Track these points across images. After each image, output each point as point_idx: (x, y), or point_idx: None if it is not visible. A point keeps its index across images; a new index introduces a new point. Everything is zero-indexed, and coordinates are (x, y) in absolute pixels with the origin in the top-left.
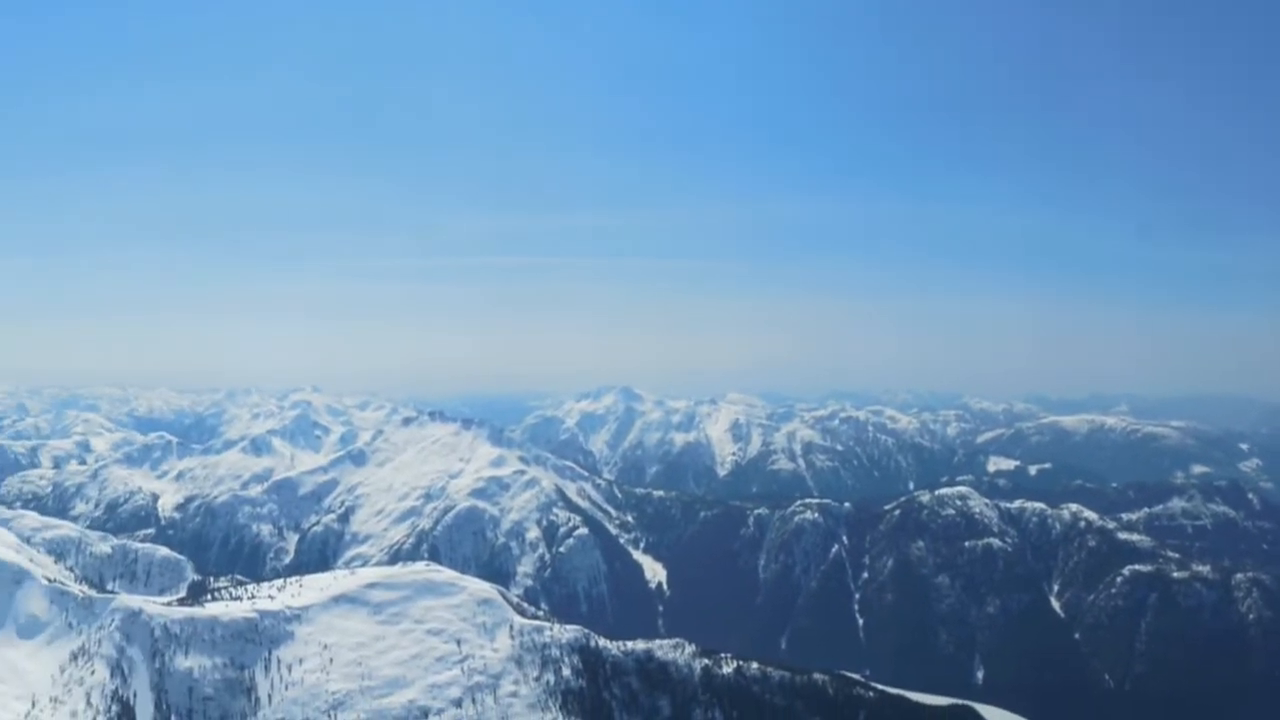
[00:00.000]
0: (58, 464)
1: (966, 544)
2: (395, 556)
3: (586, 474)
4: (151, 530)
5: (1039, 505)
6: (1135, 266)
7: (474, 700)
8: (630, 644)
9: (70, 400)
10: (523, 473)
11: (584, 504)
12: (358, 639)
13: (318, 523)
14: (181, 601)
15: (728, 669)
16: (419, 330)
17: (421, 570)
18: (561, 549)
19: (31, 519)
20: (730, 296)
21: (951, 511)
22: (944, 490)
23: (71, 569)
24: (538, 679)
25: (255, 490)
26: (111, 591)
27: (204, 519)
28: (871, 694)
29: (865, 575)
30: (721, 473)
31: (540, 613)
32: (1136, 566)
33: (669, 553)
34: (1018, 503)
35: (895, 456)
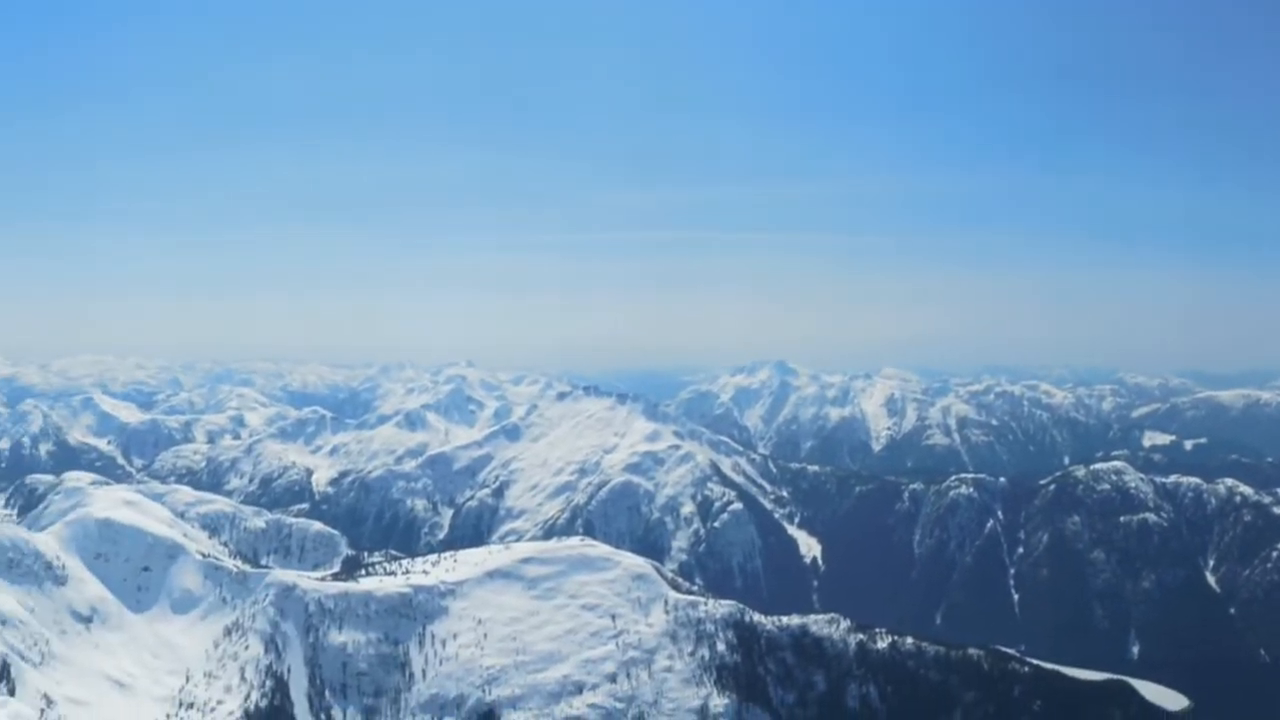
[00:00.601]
0: (212, 439)
1: (1121, 519)
2: (550, 531)
3: (741, 449)
4: (305, 505)
5: (1194, 480)
6: None
7: (628, 675)
8: (785, 619)
9: (224, 375)
10: (677, 447)
11: (738, 479)
12: (512, 614)
13: (472, 498)
14: (335, 576)
15: (882, 644)
16: (573, 305)
17: (576, 545)
18: (716, 524)
19: (185, 494)
20: (884, 270)
21: (1106, 486)
22: (1099, 465)
23: (225, 544)
24: (692, 654)
25: (409, 465)
26: (265, 566)
27: (358, 494)
28: (1026, 669)
29: (1020, 550)
30: (876, 447)
31: (695, 588)
32: None
33: (824, 528)
34: (1173, 477)
35: (1050, 431)
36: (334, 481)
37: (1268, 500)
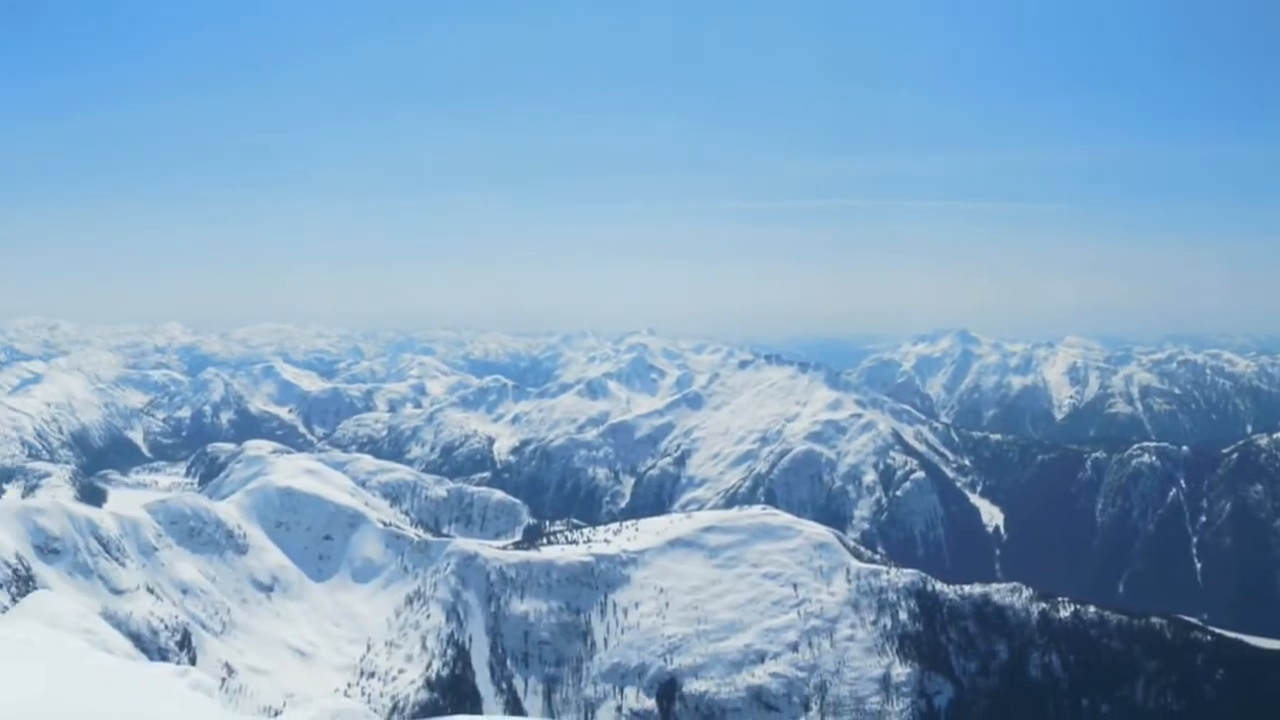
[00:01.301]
0: (393, 407)
1: None
2: (731, 500)
3: (923, 417)
4: (487, 474)
5: None
6: None
7: (810, 644)
8: (967, 588)
9: (406, 344)
10: (859, 416)
11: (920, 447)
12: (693, 583)
13: (653, 466)
14: (517, 545)
15: (1065, 613)
16: (754, 273)
17: (758, 514)
18: (898, 492)
19: (367, 462)
20: (1066, 238)
21: None
22: None
23: (407, 513)
24: (874, 623)
25: (591, 433)
26: (447, 535)
27: (540, 462)
28: (1209, 638)
29: (1203, 519)
30: (1058, 416)
31: (877, 557)
32: None
33: (1006, 496)
34: None
35: (1233, 400)
36: (515, 450)
37: None
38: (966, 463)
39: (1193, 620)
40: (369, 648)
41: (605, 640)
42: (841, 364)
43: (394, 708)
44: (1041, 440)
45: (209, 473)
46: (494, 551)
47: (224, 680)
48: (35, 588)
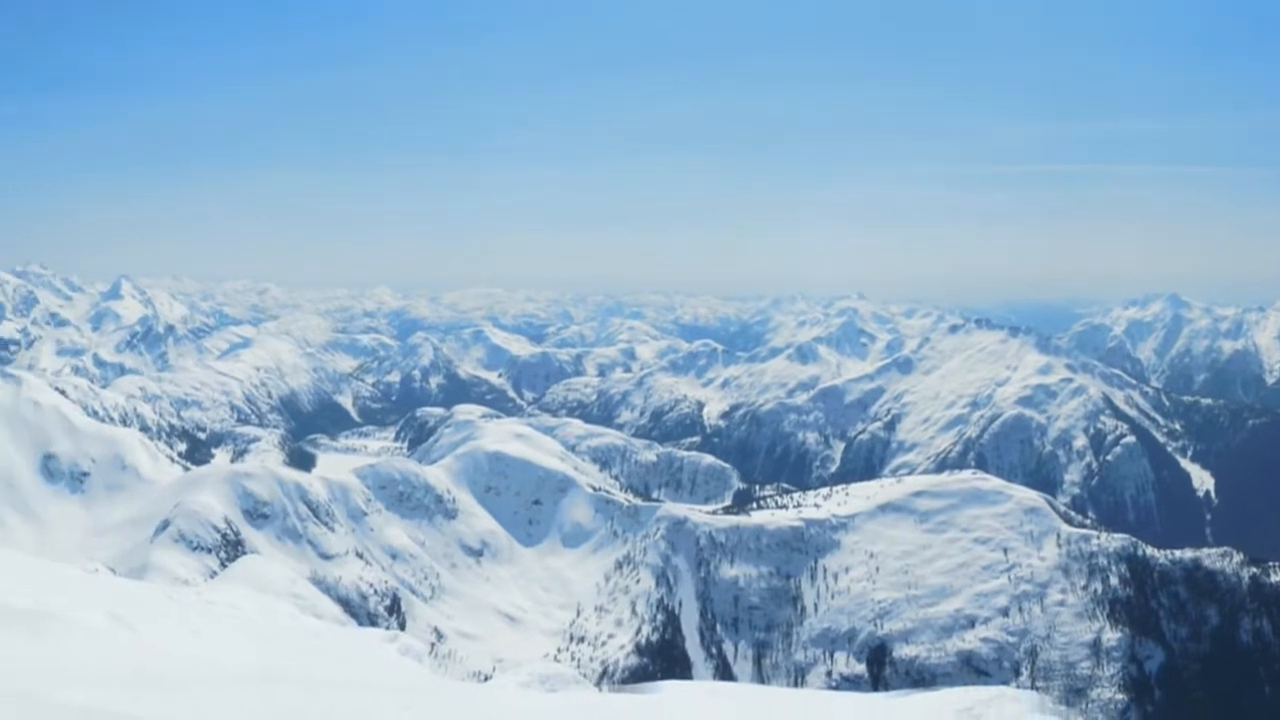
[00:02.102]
0: (603, 372)
1: None
2: (941, 465)
3: (1133, 382)
4: (696, 438)
5: None
6: None
7: (1020, 609)
8: (1177, 553)
9: (615, 308)
10: (1069, 380)
11: (1131, 412)
12: (904, 547)
13: (863, 431)
14: (727, 510)
15: (1276, 577)
16: (964, 237)
17: (967, 478)
18: (1108, 457)
19: (577, 427)
20: (1278, 202)
21: None
22: None
23: (616, 477)
24: (1084, 588)
25: (801, 398)
26: (656, 500)
27: (749, 427)
28: None
29: None
30: (1270, 380)
31: (1087, 521)
32: None
33: (1217, 461)
34: None
35: None
36: (725, 414)
37: None
38: (1177, 427)
39: None
40: (578, 612)
41: (815, 605)
42: (1051, 328)
43: (603, 672)
44: (1252, 405)
45: (418, 437)
46: (704, 516)
47: (433, 645)
48: (244, 552)
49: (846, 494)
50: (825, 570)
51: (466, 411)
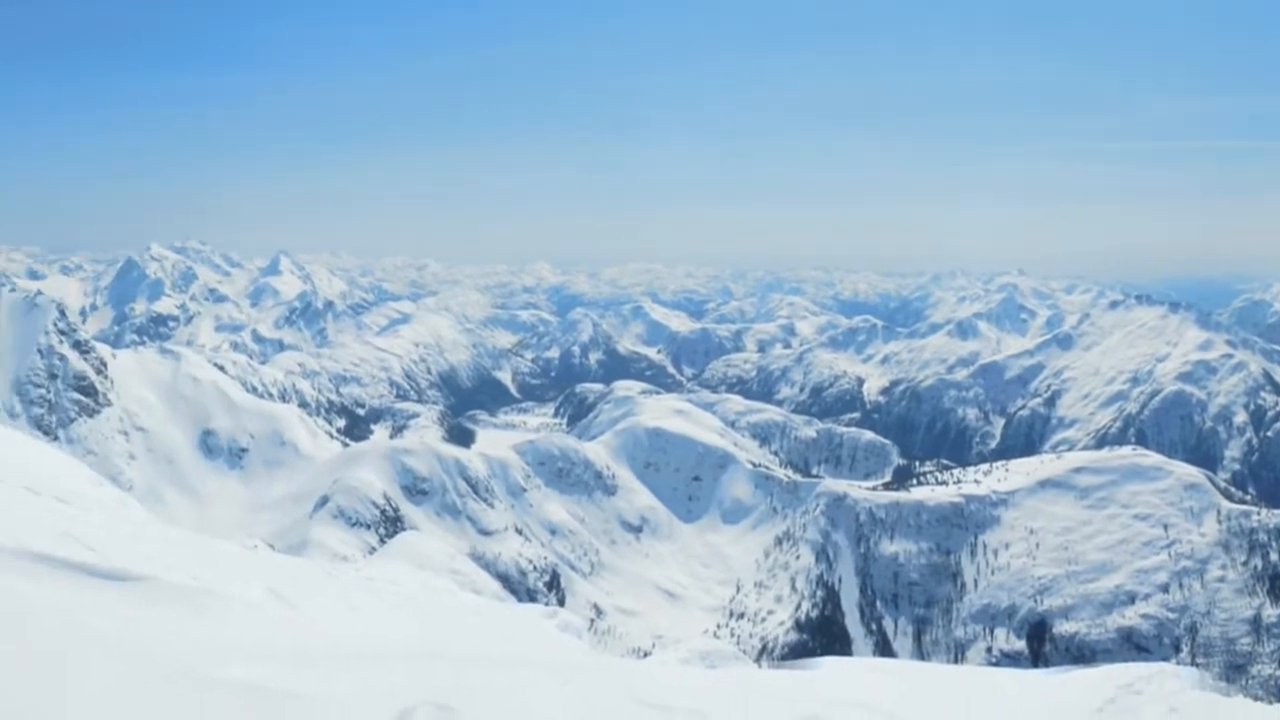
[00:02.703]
0: (762, 347)
1: None
2: (1101, 441)
3: None
4: (856, 414)
5: None
6: None
7: (1180, 585)
8: None
9: (774, 284)
10: (1230, 356)
11: None
12: (1063, 523)
13: (1023, 406)
14: (887, 486)
15: None
16: (1126, 213)
17: (1128, 454)
18: (1268, 433)
19: (736, 403)
20: None
21: None
22: None
23: (776, 453)
24: (1245, 564)
25: (960, 374)
26: (816, 476)
27: (909, 403)
28: None
29: None
30: None
31: (1247, 497)
32: None
33: None
34: None
35: None
36: (885, 390)
37: None
38: None
39: None
40: (738, 589)
41: (975, 581)
42: (1211, 304)
43: (763, 649)
44: None
45: (577, 413)
46: (863, 492)
47: (592, 621)
48: (403, 529)
49: (1006, 470)
50: (985, 546)
51: (626, 387)
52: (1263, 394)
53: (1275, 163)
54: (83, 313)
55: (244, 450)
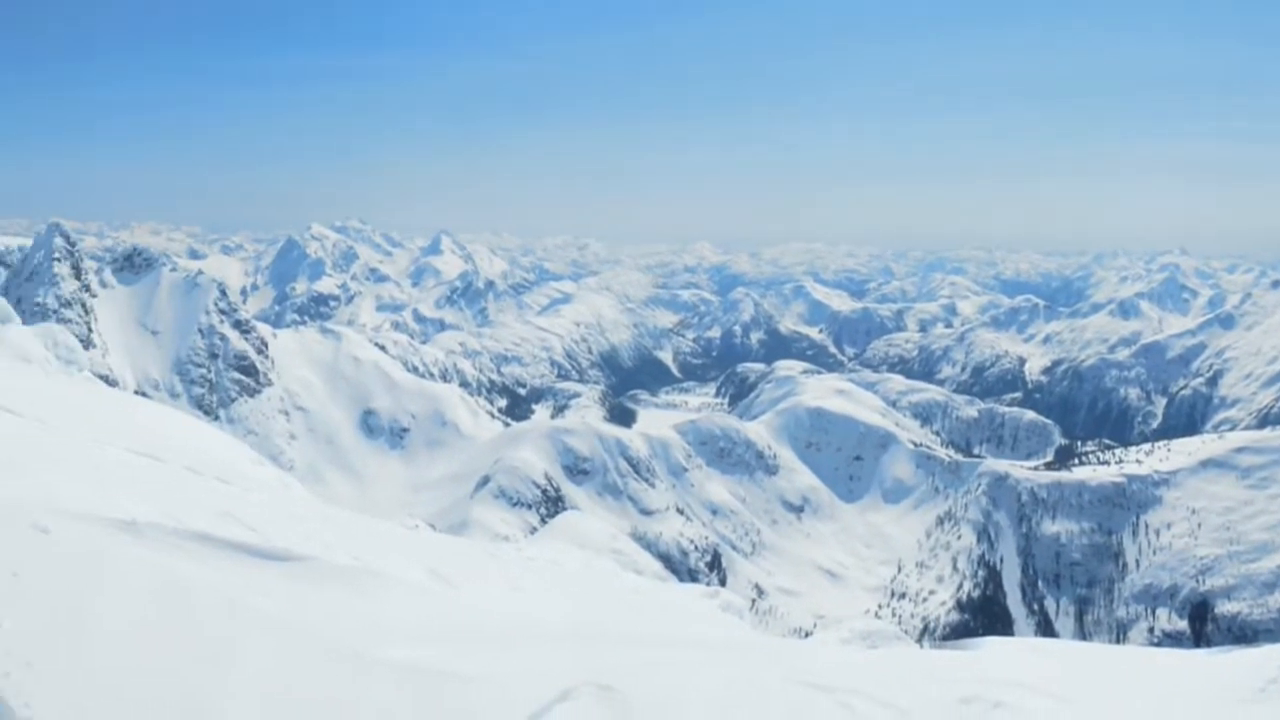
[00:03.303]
0: (923, 327)
1: None
2: (1264, 420)
3: None
4: (1017, 394)
5: None
6: None
7: None
8: None
9: (936, 263)
10: None
11: None
12: (1225, 503)
13: (1185, 386)
14: (1048, 466)
15: None
16: None
17: None
18: None
19: (897, 382)
20: None
21: None
22: None
23: (937, 433)
24: None
25: (1122, 354)
26: (977, 456)
27: (1070, 382)
28: None
29: None
30: None
31: None
32: None
33: None
34: None
35: None
36: (1046, 370)
37: None
38: None
39: None
40: (899, 569)
41: (1136, 561)
42: None
43: (925, 629)
44: None
45: (739, 393)
46: (1025, 472)
47: (753, 601)
48: (564, 508)
49: (1168, 450)
50: (1147, 526)
51: (787, 367)
52: None
53: None
54: (243, 292)
55: (405, 430)
